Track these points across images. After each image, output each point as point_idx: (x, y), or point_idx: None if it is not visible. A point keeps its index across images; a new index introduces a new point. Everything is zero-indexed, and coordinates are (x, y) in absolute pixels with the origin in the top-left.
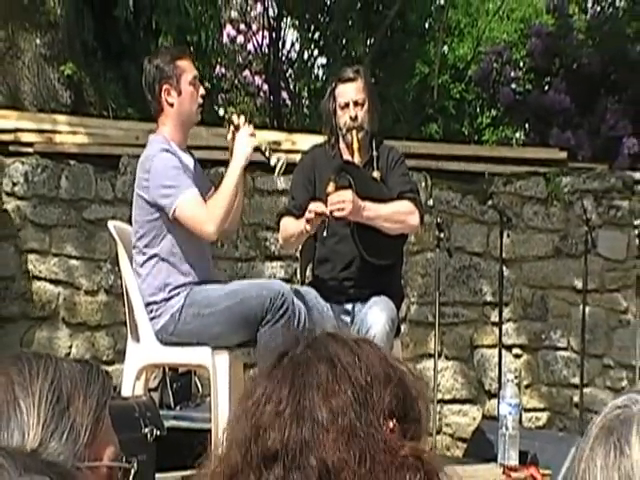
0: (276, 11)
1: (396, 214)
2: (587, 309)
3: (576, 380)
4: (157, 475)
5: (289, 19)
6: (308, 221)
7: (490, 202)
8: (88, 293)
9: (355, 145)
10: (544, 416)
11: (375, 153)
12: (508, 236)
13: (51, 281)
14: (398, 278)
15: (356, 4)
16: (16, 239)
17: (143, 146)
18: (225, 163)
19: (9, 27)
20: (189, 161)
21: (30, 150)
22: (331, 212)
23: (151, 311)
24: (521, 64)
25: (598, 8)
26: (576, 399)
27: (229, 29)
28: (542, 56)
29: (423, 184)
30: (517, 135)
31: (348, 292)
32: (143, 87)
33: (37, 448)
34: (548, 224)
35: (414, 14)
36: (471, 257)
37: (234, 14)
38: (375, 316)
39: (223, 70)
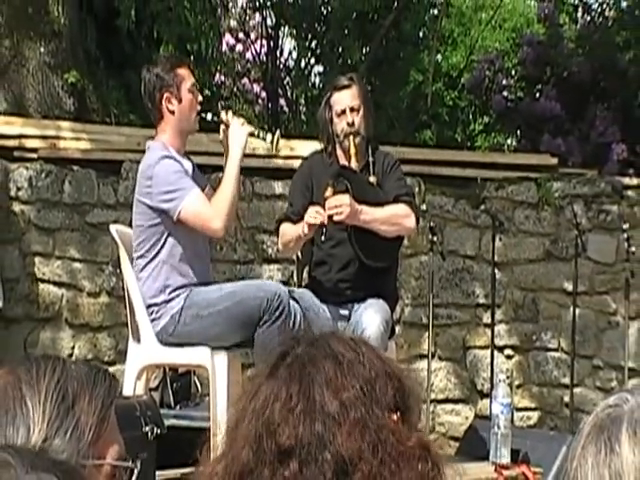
0: (274, 20)
1: (392, 217)
2: (577, 311)
3: (566, 380)
4: (157, 472)
5: (287, 28)
6: (308, 225)
7: (482, 207)
8: (90, 295)
9: (352, 150)
10: (535, 415)
11: (371, 159)
12: (500, 240)
13: (55, 283)
14: (393, 281)
15: (352, 14)
16: (20, 242)
17: (145, 152)
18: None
19: (14, 36)
20: (188, 166)
21: (34, 156)
22: (329, 216)
23: (152, 313)
24: (513, 72)
25: (588, 18)
26: (566, 399)
27: (228, 38)
28: (533, 64)
29: (417, 189)
30: (509, 141)
31: (344, 294)
32: (142, 95)
33: (42, 444)
34: (539, 228)
35: (408, 23)
36: (464, 260)
37: (233, 23)
38: (370, 317)
39: (222, 78)
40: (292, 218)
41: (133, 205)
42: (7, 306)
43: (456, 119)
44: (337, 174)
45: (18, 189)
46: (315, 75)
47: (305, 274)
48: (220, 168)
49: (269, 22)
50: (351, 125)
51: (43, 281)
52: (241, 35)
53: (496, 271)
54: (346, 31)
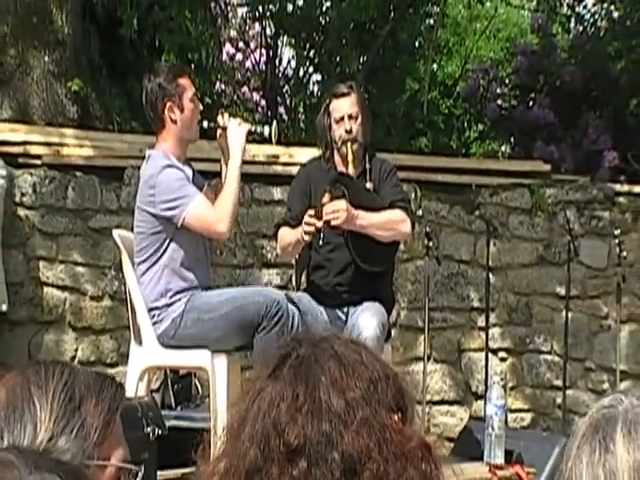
0: (273, 30)
1: (388, 222)
2: (569, 315)
3: (559, 382)
4: (159, 472)
5: (285, 38)
6: (306, 232)
7: (477, 212)
8: (93, 298)
9: (350, 157)
10: (528, 417)
11: (368, 165)
12: (494, 245)
13: (58, 287)
14: (389, 284)
15: (349, 24)
16: (25, 247)
17: (145, 159)
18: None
19: (19, 45)
20: (189, 172)
21: (38, 162)
22: (327, 221)
23: (153, 316)
24: (507, 81)
25: (580, 28)
26: (559, 400)
27: (228, 47)
28: (527, 73)
29: (413, 195)
30: (503, 148)
31: (341, 297)
32: (144, 104)
33: (48, 442)
34: (532, 233)
35: (405, 33)
36: (459, 265)
37: (233, 33)
38: (366, 320)
39: (223, 86)
40: (290, 223)
41: (134, 215)
42: (12, 309)
43: (451, 127)
44: (334, 180)
45: (22, 195)
46: (313, 84)
47: (303, 278)
48: (221, 175)
49: (268, 32)
50: (349, 132)
51: (47, 285)
52: (241, 44)
53: (490, 275)
54: (344, 41)
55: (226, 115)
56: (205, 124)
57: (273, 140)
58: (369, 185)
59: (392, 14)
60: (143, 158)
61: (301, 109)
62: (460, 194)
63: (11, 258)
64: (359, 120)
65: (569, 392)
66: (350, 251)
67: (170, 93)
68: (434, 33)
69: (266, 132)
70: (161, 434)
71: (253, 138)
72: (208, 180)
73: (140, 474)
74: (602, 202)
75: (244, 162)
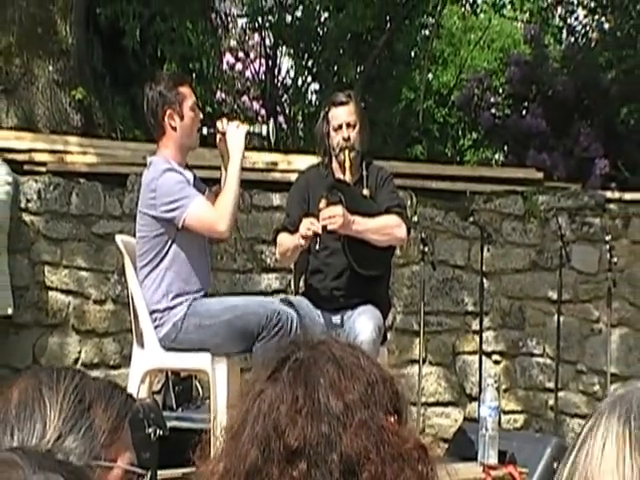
0: (272, 40)
1: (384, 227)
2: (561, 319)
3: (551, 385)
4: (160, 472)
5: (284, 48)
6: (303, 237)
7: (471, 219)
8: (96, 302)
9: (347, 164)
10: (521, 418)
11: (365, 172)
12: (488, 250)
13: (62, 291)
14: (386, 289)
15: (347, 34)
16: (30, 252)
17: (146, 166)
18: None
19: (24, 55)
20: (189, 176)
21: (43, 169)
22: (323, 226)
23: (155, 319)
24: (500, 90)
25: (572, 39)
26: (551, 402)
27: (228, 57)
28: (520, 83)
29: (409, 202)
30: (496, 156)
31: (338, 301)
32: (145, 111)
33: (56, 440)
34: (525, 239)
35: (401, 44)
36: (453, 270)
37: (233, 43)
38: (362, 324)
39: (223, 95)
40: (289, 228)
41: (136, 220)
42: (17, 313)
43: (446, 135)
44: (331, 186)
45: (28, 201)
46: (311, 93)
47: (302, 282)
48: (221, 182)
49: (268, 42)
50: (347, 140)
51: (51, 289)
52: (241, 54)
53: (484, 280)
54: (341, 51)
55: (224, 120)
56: (205, 131)
57: (272, 138)
58: (366, 192)
59: (388, 25)
60: (145, 165)
61: (299, 117)
62: (455, 201)
63: (16, 263)
64: (357, 128)
65: (561, 394)
66: (347, 256)
67: (170, 101)
68: (429, 43)
69: (264, 131)
70: (162, 435)
71: (253, 145)
72: (209, 186)
73: (146, 478)
74: (593, 209)
75: (243, 169)
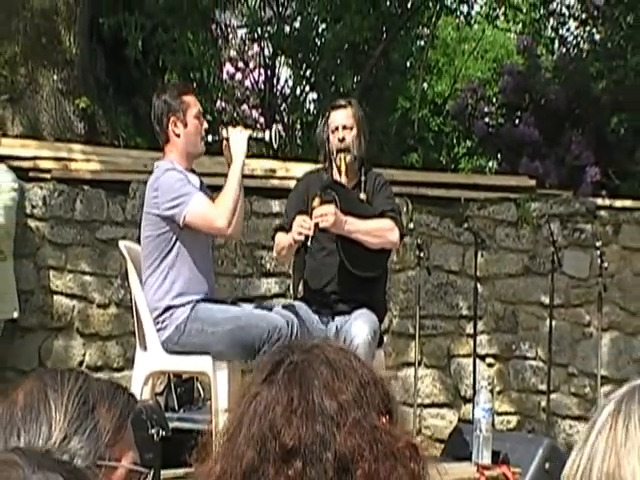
0: (271, 51)
1: (376, 230)
2: (553, 323)
3: (543, 387)
4: (162, 471)
5: (283, 58)
6: (297, 233)
7: (465, 225)
8: (100, 306)
9: (342, 167)
10: (514, 419)
11: (363, 177)
12: (482, 256)
13: (67, 295)
14: (382, 292)
15: (344, 45)
16: (35, 257)
17: (151, 172)
18: None
19: (29, 64)
20: (195, 180)
21: (48, 176)
22: (316, 224)
23: (157, 322)
24: (494, 100)
25: (564, 49)
26: (543, 404)
27: (228, 67)
28: (513, 93)
29: (405, 209)
30: (490, 164)
31: (336, 305)
32: (152, 119)
33: (62, 441)
34: (518, 245)
35: (397, 54)
36: (448, 275)
37: (233, 53)
38: (358, 328)
39: (223, 104)
40: (285, 228)
41: (142, 221)
42: (23, 316)
43: (441, 143)
44: (325, 186)
45: (33, 207)
46: (309, 102)
47: (300, 287)
48: (222, 189)
49: (267, 52)
50: (341, 140)
51: (56, 293)
52: (240, 64)
53: (478, 285)
54: (338, 61)
55: (230, 128)
56: (211, 139)
57: (274, 144)
58: (362, 196)
59: (384, 36)
60: (147, 172)
61: (298, 126)
62: (449, 207)
63: (22, 267)
64: (354, 132)
65: (553, 396)
66: (340, 255)
67: (174, 109)
68: (424, 54)
69: (267, 136)
70: (165, 435)
71: (252, 153)
72: (214, 193)
73: (149, 477)
74: (584, 215)
75: (243, 176)
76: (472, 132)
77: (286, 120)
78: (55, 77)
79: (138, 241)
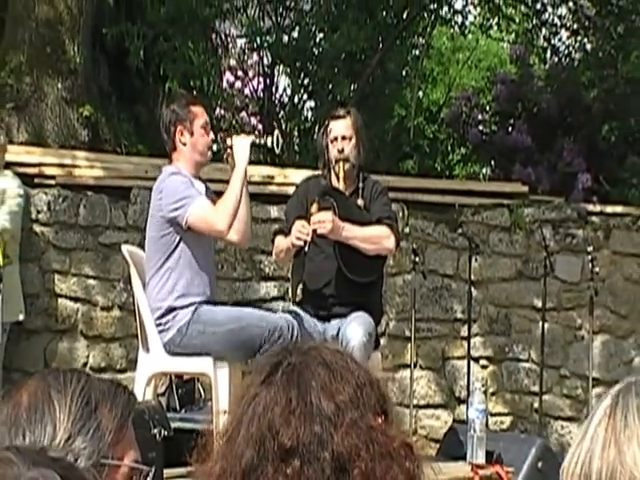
0: (270, 60)
1: (373, 237)
2: (546, 325)
3: (536, 388)
4: (165, 470)
5: (282, 67)
6: (296, 238)
7: (460, 230)
8: (104, 309)
9: (341, 175)
10: (508, 420)
11: (361, 185)
12: (476, 260)
13: (71, 298)
14: (379, 296)
15: (341, 54)
16: (40, 261)
17: (152, 179)
18: None
19: (34, 73)
20: (200, 187)
21: (52, 182)
22: (314, 230)
23: (160, 324)
24: (487, 108)
25: (556, 59)
26: (536, 405)
27: (228, 75)
28: (506, 101)
29: (400, 214)
30: (484, 171)
31: (332, 308)
32: (160, 127)
33: (66, 441)
34: (511, 250)
35: (393, 63)
36: (443, 279)
37: (233, 62)
38: (354, 330)
39: (222, 112)
40: (285, 231)
41: (147, 225)
42: (28, 319)
43: (436, 150)
44: (323, 192)
45: (38, 212)
46: (307, 110)
47: (299, 290)
48: (221, 194)
49: (265, 61)
50: (341, 152)
51: (61, 296)
52: (240, 73)
53: (472, 289)
54: (336, 70)
55: (234, 136)
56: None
57: (276, 149)
58: (360, 202)
59: (381, 45)
60: (148, 179)
61: (296, 133)
62: (444, 213)
63: (28, 271)
64: (353, 142)
65: (545, 397)
66: (338, 261)
67: (182, 118)
68: (420, 63)
69: (269, 142)
70: (167, 435)
71: (250, 160)
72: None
73: (151, 475)
74: (576, 221)
75: None
76: (466, 139)
77: (284, 127)
78: (59, 86)
79: (140, 245)
